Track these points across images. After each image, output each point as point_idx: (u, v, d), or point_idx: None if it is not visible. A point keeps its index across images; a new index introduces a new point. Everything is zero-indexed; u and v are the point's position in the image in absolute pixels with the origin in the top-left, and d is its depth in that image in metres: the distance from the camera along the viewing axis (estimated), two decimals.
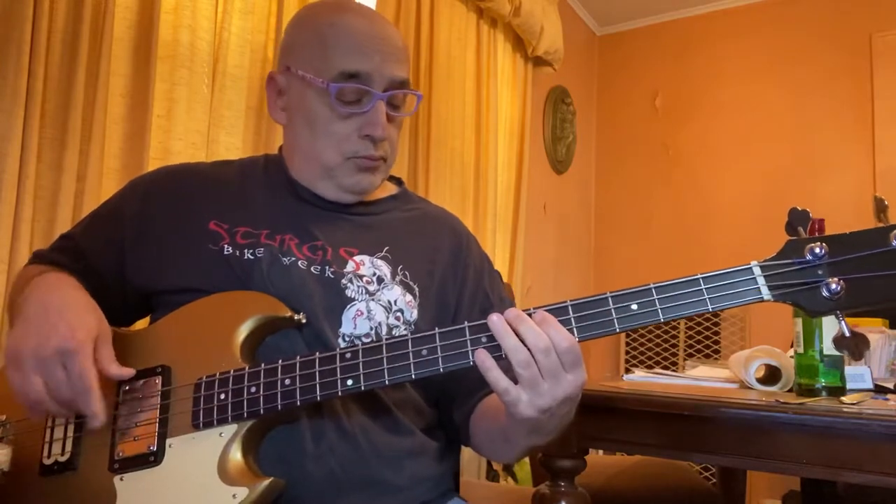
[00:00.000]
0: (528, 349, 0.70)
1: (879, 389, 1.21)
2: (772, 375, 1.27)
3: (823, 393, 1.12)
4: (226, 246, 0.91)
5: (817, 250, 0.70)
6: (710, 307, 0.71)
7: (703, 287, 0.72)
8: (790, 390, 1.22)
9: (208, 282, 0.89)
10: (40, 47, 1.43)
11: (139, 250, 0.95)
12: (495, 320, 0.72)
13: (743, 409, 1.04)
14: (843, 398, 1.09)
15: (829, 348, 1.14)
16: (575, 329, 0.73)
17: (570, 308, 0.74)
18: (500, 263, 3.05)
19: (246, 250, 0.91)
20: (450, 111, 2.71)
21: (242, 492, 0.75)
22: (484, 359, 0.72)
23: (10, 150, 1.38)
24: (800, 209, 0.73)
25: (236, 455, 0.78)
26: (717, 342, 3.55)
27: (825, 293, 0.69)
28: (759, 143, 3.56)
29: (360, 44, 0.93)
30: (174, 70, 1.72)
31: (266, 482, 0.76)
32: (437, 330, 0.76)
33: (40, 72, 1.43)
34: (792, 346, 1.21)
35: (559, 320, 0.72)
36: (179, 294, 0.90)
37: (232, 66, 1.85)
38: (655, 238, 3.80)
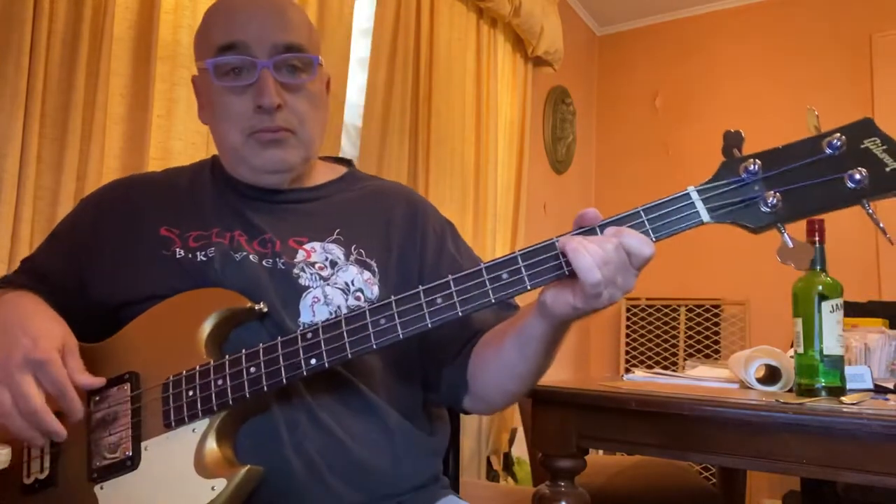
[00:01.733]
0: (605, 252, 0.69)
1: (879, 389, 1.21)
2: (772, 375, 1.27)
3: (823, 393, 1.12)
4: (178, 250, 0.92)
5: (752, 167, 0.70)
6: (653, 237, 0.71)
7: (644, 219, 0.72)
8: (790, 390, 1.22)
9: (166, 287, 0.89)
10: (40, 47, 1.43)
11: (96, 266, 0.95)
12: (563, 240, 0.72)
13: (743, 409, 1.04)
14: (843, 398, 1.09)
15: (829, 348, 1.14)
16: (526, 276, 0.73)
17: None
18: None
19: (198, 252, 0.91)
20: (450, 111, 2.71)
21: (221, 483, 0.76)
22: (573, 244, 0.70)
23: (10, 150, 1.38)
24: (733, 131, 0.73)
25: (211, 448, 0.78)
26: (717, 342, 3.55)
27: (764, 208, 0.69)
28: (759, 143, 3.55)
29: (233, 15, 0.91)
30: (174, 70, 1.72)
31: (243, 470, 0.76)
32: (392, 298, 0.76)
33: (40, 72, 1.43)
34: (792, 346, 1.21)
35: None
36: (141, 303, 0.90)
37: None
38: None
